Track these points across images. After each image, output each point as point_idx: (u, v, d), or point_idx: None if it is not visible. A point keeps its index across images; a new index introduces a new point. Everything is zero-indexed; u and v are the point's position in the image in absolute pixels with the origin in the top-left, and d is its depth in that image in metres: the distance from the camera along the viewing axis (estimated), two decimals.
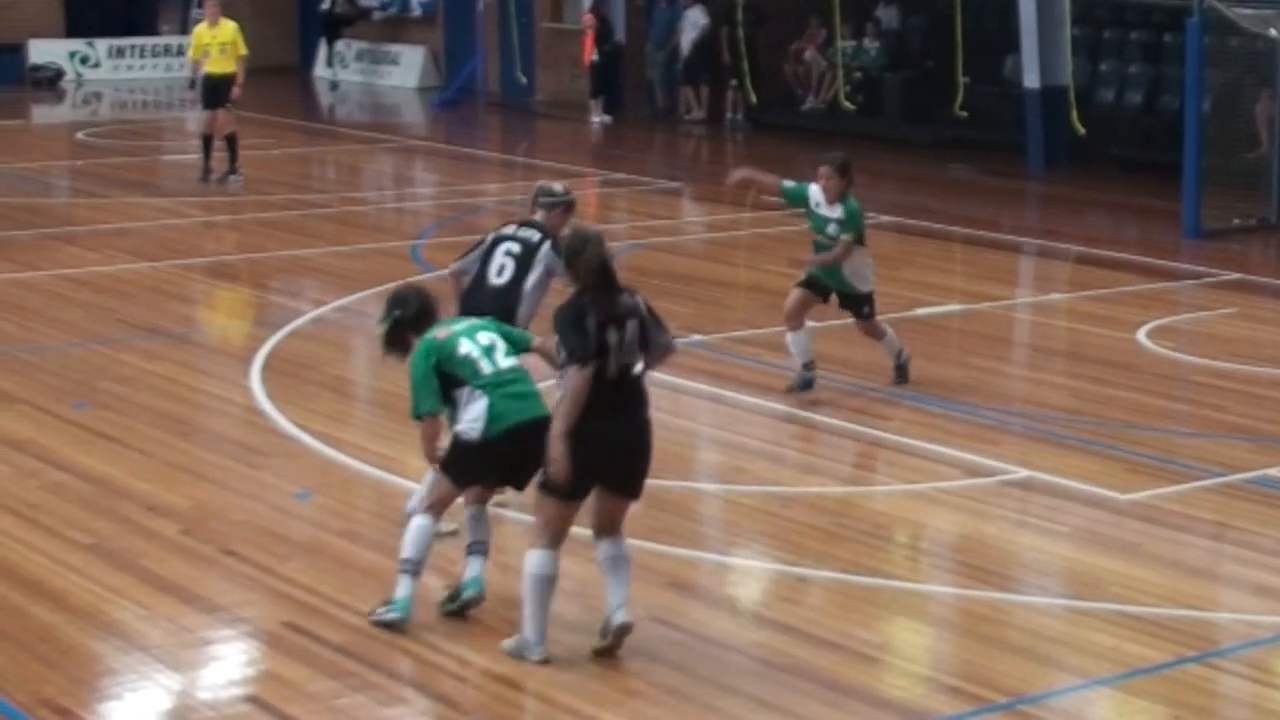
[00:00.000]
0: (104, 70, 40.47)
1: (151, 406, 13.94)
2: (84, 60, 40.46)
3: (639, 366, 9.15)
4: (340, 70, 40.66)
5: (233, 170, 25.13)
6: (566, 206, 11.68)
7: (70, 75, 39.87)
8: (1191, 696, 8.94)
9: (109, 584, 10.24)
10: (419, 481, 12.08)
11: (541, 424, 9.38)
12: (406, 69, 40.00)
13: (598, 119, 33.21)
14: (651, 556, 10.68)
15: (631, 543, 10.80)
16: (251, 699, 8.86)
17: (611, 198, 25.43)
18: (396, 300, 10.22)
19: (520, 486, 9.97)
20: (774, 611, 10.04)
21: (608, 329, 9.01)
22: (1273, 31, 21.47)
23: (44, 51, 39.85)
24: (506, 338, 9.98)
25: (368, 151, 29.98)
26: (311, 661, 9.22)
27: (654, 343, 9.22)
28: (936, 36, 30.47)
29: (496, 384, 9.69)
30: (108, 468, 12.41)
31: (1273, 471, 12.48)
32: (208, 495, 11.88)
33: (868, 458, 12.76)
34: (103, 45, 40.79)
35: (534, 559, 9.19)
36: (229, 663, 9.41)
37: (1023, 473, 12.38)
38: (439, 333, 9.88)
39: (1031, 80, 27.43)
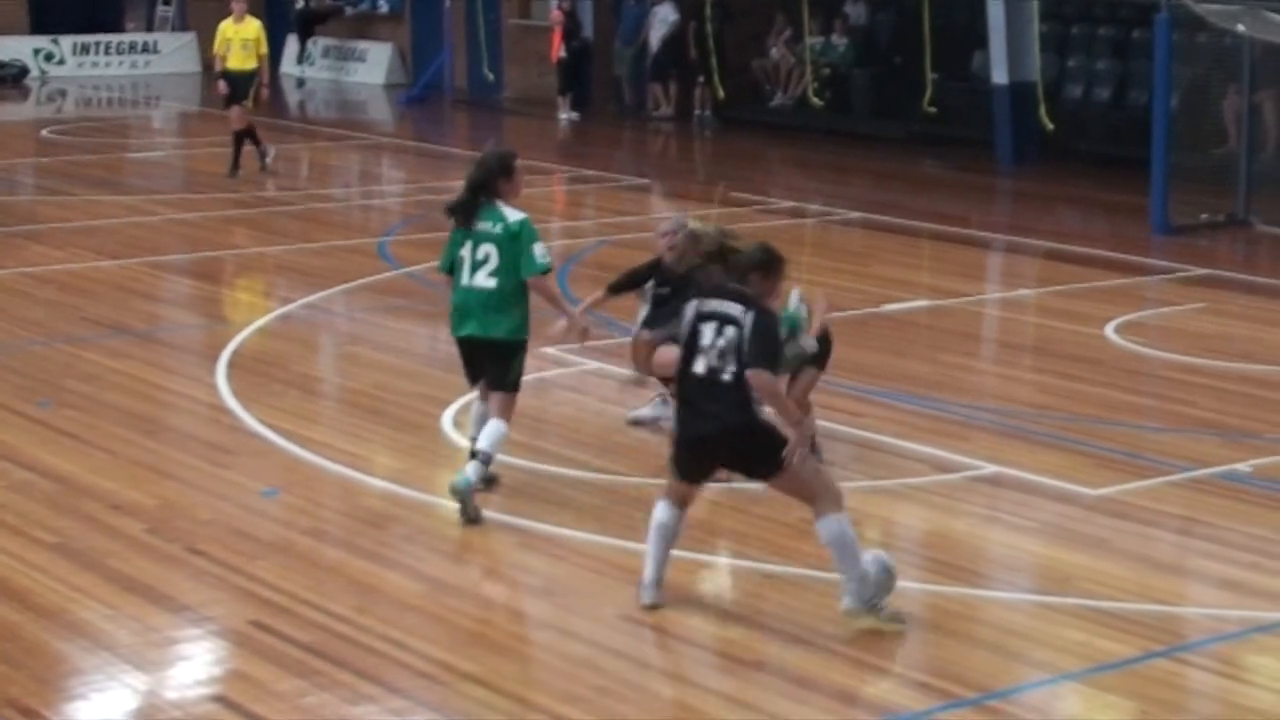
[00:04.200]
0: (69, 67, 40.38)
1: (117, 405, 13.88)
2: (49, 57, 40.34)
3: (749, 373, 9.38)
4: (307, 67, 40.57)
5: (234, 168, 25.38)
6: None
7: (35, 72, 39.75)
8: (1159, 691, 8.94)
9: (74, 583, 10.19)
10: (386, 480, 12.09)
11: (474, 343, 11.31)
12: (373, 66, 39.92)
13: (565, 115, 33.17)
14: (621, 554, 10.67)
15: (603, 541, 10.81)
16: (218, 698, 8.81)
17: (579, 194, 25.40)
18: (482, 157, 11.63)
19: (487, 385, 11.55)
20: (742, 608, 10.01)
21: (702, 324, 9.46)
22: (1240, 27, 21.49)
23: (8, 49, 39.73)
24: (511, 258, 11.22)
25: (335, 148, 29.92)
26: (278, 660, 9.18)
27: (750, 353, 9.41)
28: (905, 32, 30.50)
29: (462, 295, 11.36)
30: (72, 466, 12.35)
31: (1240, 466, 12.49)
32: (174, 494, 11.83)
33: (836, 454, 12.72)
34: (67, 42, 40.68)
35: (656, 506, 9.82)
36: (196, 662, 9.37)
37: (991, 468, 12.37)
38: (474, 225, 11.33)
39: (1000, 76, 27.46)
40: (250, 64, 25.07)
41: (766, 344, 9.37)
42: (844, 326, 16.61)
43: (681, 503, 9.82)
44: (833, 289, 18.15)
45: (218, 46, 25.35)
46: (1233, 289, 18.74)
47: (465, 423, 13.13)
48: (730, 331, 9.39)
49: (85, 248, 20.27)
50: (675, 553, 10.77)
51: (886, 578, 9.58)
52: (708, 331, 9.43)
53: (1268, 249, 21.09)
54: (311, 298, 17.74)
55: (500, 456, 11.77)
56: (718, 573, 10.74)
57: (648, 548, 9.85)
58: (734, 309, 9.42)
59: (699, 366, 9.46)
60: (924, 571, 10.59)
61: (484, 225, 11.31)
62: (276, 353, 15.66)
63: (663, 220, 13.26)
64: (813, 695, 8.85)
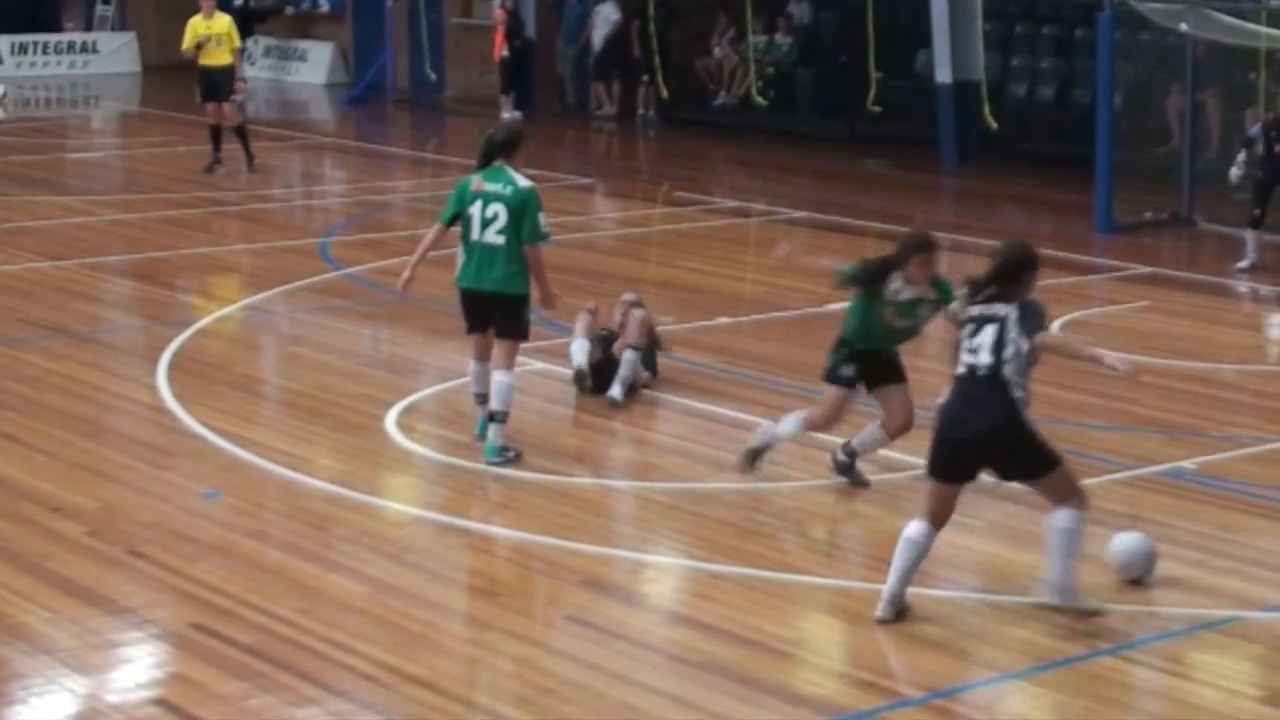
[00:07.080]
0: (7, 67, 40.06)
1: (56, 407, 13.77)
2: None
3: (1004, 366, 9.62)
4: (248, 66, 40.36)
5: (250, 161, 25.55)
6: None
7: None
8: (1105, 689, 8.94)
9: (13, 586, 10.09)
10: (329, 481, 12.01)
11: (482, 296, 12.14)
12: (315, 65, 39.77)
13: (508, 115, 33.06)
14: (565, 554, 10.62)
15: (547, 542, 10.76)
16: (160, 701, 8.74)
17: None
18: (498, 127, 12.98)
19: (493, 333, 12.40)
20: (688, 608, 9.98)
21: (966, 326, 9.84)
22: (1183, 26, 21.56)
23: None
24: (517, 220, 12.17)
25: (276, 148, 29.75)
26: (220, 663, 9.10)
27: (1028, 328, 9.72)
28: (848, 31, 30.51)
29: (473, 249, 12.21)
30: (11, 469, 12.24)
31: (1184, 464, 12.52)
32: (114, 496, 11.73)
33: (781, 453, 12.68)
34: (5, 42, 40.39)
35: (909, 524, 9.77)
36: (137, 665, 9.29)
37: None
38: (475, 183, 12.31)
39: (944, 75, 27.50)
40: (225, 59, 25.13)
41: (1039, 319, 9.81)
42: (788, 326, 16.65)
43: (936, 521, 9.76)
44: (776, 288, 18.17)
45: (187, 43, 25.23)
46: (1176, 287, 18.79)
47: (408, 424, 13.11)
48: (989, 329, 9.70)
49: (23, 248, 20.12)
50: (621, 552, 10.77)
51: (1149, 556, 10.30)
52: (967, 331, 9.80)
53: (1211, 247, 21.17)
54: (253, 299, 17.64)
55: (444, 459, 11.71)
56: (664, 573, 10.70)
57: (894, 560, 9.76)
58: (998, 308, 9.77)
59: (962, 366, 9.75)
60: (869, 570, 10.55)
61: (494, 187, 12.30)
62: (218, 354, 15.56)
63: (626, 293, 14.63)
64: (759, 695, 8.81)
